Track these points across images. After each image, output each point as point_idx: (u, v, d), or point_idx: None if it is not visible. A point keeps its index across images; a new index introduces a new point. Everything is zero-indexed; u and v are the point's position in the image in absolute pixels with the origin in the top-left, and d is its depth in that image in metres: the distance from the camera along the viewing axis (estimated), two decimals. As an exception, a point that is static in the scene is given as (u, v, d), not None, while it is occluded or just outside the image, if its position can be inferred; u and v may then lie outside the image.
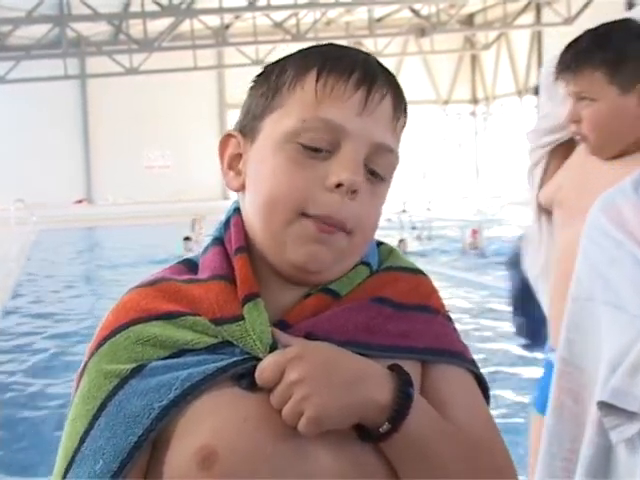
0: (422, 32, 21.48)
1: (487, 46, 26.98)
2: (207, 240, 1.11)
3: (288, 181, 0.99)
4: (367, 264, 1.07)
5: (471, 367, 1.07)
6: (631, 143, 2.09)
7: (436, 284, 1.14)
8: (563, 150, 2.35)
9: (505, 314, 4.13)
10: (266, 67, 1.07)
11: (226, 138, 1.08)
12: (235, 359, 0.97)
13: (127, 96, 24.92)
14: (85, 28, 20.39)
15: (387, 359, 1.00)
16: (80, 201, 25.46)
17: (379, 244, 1.13)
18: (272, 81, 1.04)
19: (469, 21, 26.58)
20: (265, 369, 0.95)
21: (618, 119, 2.06)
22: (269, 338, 0.98)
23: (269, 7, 19.06)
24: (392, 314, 1.04)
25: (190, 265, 1.08)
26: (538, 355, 3.08)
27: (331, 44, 1.07)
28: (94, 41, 21.52)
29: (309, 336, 0.99)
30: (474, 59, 28.70)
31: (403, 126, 1.06)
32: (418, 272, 1.12)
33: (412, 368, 1.01)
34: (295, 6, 19.36)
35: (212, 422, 0.95)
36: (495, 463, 1.02)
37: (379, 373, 0.97)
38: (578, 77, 2.08)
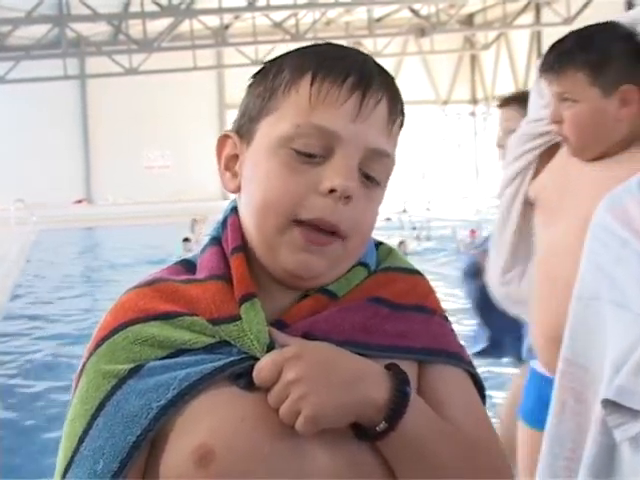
0: (422, 32, 21.48)
1: (487, 46, 26.97)
2: (206, 240, 1.12)
3: (280, 186, 0.99)
4: (365, 265, 1.07)
5: (468, 367, 1.08)
6: (611, 145, 2.08)
7: (434, 284, 1.14)
8: (553, 151, 2.34)
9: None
10: (264, 65, 1.07)
11: (223, 139, 1.08)
12: (232, 359, 0.98)
13: (127, 96, 24.91)
14: (85, 28, 20.39)
15: (384, 359, 1.01)
16: (80, 201, 25.45)
17: (378, 244, 1.13)
18: (268, 82, 1.03)
19: (469, 21, 26.57)
20: (262, 368, 0.95)
21: (599, 121, 2.06)
22: (266, 338, 0.98)
23: (268, 7, 19.06)
24: (389, 314, 1.05)
25: (188, 265, 1.09)
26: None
27: (329, 44, 1.07)
28: (94, 41, 21.51)
29: (306, 336, 1.00)
30: (474, 59, 28.70)
31: (400, 127, 1.05)
32: (416, 273, 1.12)
33: (409, 368, 1.01)
34: (294, 6, 19.35)
35: (210, 421, 0.95)
36: (492, 463, 1.03)
37: (376, 372, 0.98)
38: (561, 78, 2.08)
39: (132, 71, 21.68)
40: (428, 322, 1.07)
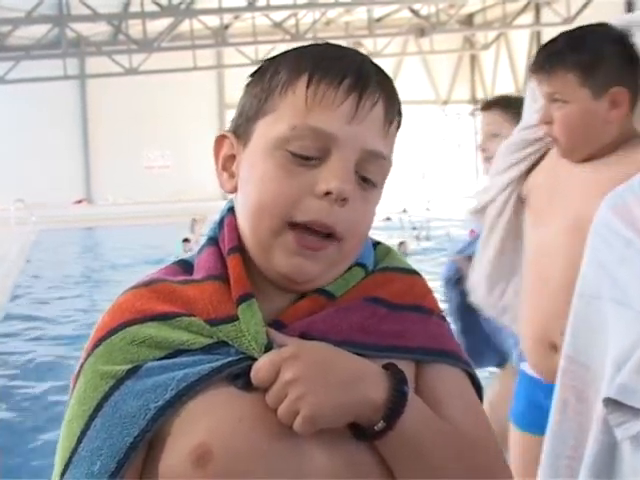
0: (421, 32, 21.46)
1: (486, 46, 26.96)
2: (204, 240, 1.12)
3: (275, 188, 0.99)
4: (362, 265, 1.07)
5: (465, 367, 1.08)
6: (601, 147, 2.09)
7: (433, 284, 1.14)
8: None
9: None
10: (262, 65, 1.07)
11: (220, 139, 1.08)
12: (230, 359, 0.98)
13: (127, 96, 24.89)
14: (85, 28, 20.37)
15: (382, 359, 1.01)
16: (80, 201, 25.43)
17: (376, 244, 1.13)
18: (265, 82, 1.03)
19: (468, 21, 26.55)
20: (260, 369, 0.96)
21: (589, 122, 2.06)
22: (264, 338, 0.98)
23: (268, 7, 19.04)
24: (387, 314, 1.05)
25: (185, 266, 1.09)
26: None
27: (327, 44, 1.06)
28: (94, 41, 21.49)
29: (304, 336, 1.00)
30: (473, 59, 28.68)
31: (397, 128, 1.05)
32: (413, 272, 1.12)
33: (406, 368, 1.01)
34: (294, 6, 19.33)
35: (207, 422, 0.95)
36: (489, 462, 1.03)
37: (374, 372, 0.98)
38: (552, 78, 2.08)
39: (132, 71, 21.66)
40: (426, 322, 1.07)
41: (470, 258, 3.13)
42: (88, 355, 1.02)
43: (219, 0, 18.69)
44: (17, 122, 24.27)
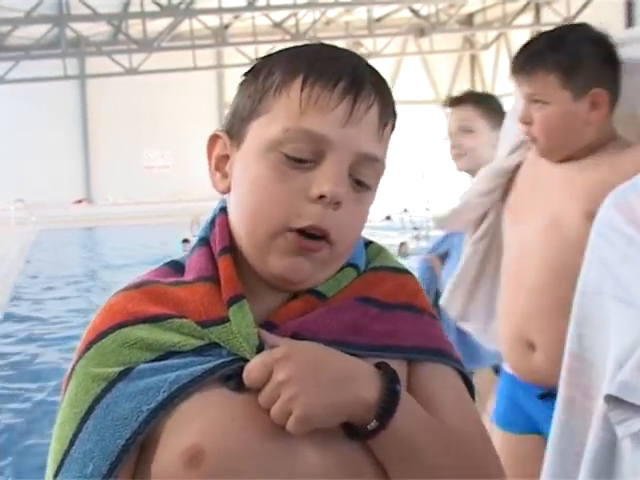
0: (421, 32, 21.44)
1: (486, 46, 26.95)
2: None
3: (271, 194, 0.99)
4: (354, 266, 1.07)
5: (457, 365, 1.08)
6: (580, 148, 2.09)
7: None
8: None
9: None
10: (256, 64, 1.06)
11: (214, 138, 1.08)
12: (222, 360, 0.98)
13: (127, 96, 24.88)
14: (85, 28, 20.36)
15: (374, 358, 1.01)
16: (80, 201, 25.42)
17: (368, 243, 1.13)
18: (259, 83, 1.02)
19: (468, 21, 26.54)
20: (252, 370, 0.96)
21: (569, 124, 2.06)
22: (255, 339, 0.98)
23: (268, 7, 19.03)
24: (378, 314, 1.05)
25: (176, 267, 1.08)
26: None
27: (322, 44, 1.06)
28: (93, 41, 21.47)
29: (295, 336, 1.00)
30: (473, 59, 28.67)
31: (392, 130, 1.05)
32: (404, 272, 1.12)
33: (398, 367, 1.01)
34: (294, 6, 19.32)
35: (200, 423, 0.95)
36: (483, 460, 1.03)
37: (366, 371, 0.98)
38: (532, 79, 2.08)
39: (132, 71, 21.65)
40: (417, 321, 1.07)
41: (441, 257, 3.13)
42: (79, 357, 1.02)
43: (219, 0, 18.69)
44: (17, 122, 24.27)
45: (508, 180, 2.33)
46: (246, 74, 1.06)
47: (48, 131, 24.80)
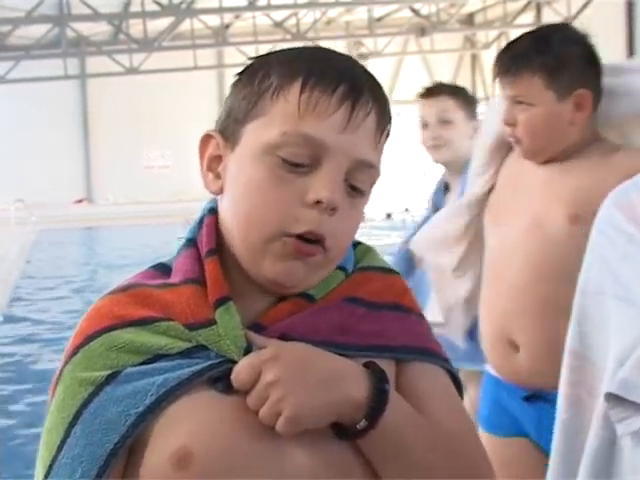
0: (422, 31, 21.45)
1: (487, 45, 26.95)
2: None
3: (265, 198, 0.98)
4: (343, 268, 1.07)
5: (445, 364, 1.08)
6: (563, 149, 2.09)
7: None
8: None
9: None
10: (250, 64, 1.05)
11: (206, 138, 1.07)
12: (210, 363, 0.97)
13: (127, 96, 24.90)
14: (85, 28, 20.38)
15: (362, 358, 1.01)
16: (80, 201, 25.45)
17: (356, 244, 1.13)
18: (255, 85, 1.01)
19: (469, 20, 26.57)
20: (241, 372, 0.95)
21: (553, 125, 2.06)
22: (243, 341, 0.98)
23: (269, 7, 19.05)
24: (365, 314, 1.05)
25: (163, 269, 1.08)
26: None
27: (318, 48, 1.06)
28: (94, 41, 21.50)
29: (283, 337, 1.00)
30: (474, 58, 28.69)
31: (387, 136, 1.05)
32: (392, 272, 1.12)
33: (386, 367, 1.01)
34: (295, 6, 19.35)
35: (188, 425, 0.95)
36: (472, 458, 1.04)
37: (355, 371, 0.98)
38: (517, 81, 2.07)
39: (132, 71, 21.67)
40: (405, 320, 1.07)
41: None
42: (66, 362, 1.01)
43: (219, 0, 18.71)
44: (17, 122, 24.29)
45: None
46: (240, 74, 1.05)
47: (48, 131, 24.82)
